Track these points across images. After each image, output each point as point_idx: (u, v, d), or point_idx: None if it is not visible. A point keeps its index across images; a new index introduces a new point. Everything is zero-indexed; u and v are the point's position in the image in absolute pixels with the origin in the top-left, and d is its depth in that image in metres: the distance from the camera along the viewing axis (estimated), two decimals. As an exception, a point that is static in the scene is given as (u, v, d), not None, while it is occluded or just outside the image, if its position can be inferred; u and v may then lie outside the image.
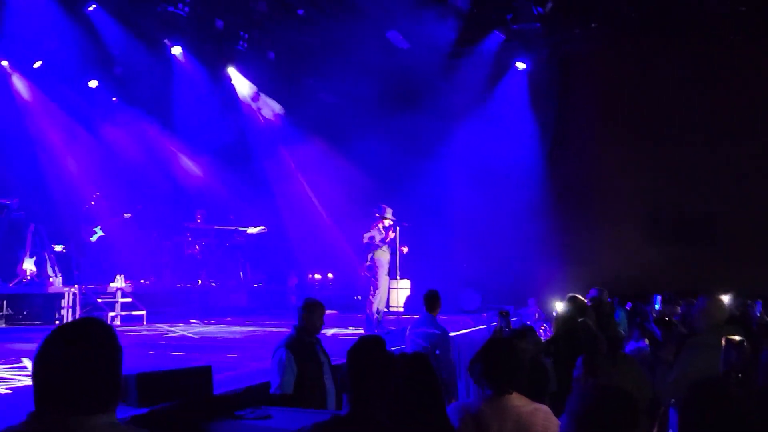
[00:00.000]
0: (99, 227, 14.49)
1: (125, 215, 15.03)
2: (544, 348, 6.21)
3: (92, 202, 14.74)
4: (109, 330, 2.23)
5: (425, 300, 7.43)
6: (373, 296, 10.58)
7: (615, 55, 16.67)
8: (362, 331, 10.56)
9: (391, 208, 10.87)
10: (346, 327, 11.67)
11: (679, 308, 10.77)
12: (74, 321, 2.26)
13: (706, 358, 4.43)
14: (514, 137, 17.21)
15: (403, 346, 7.93)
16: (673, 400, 4.54)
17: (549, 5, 14.89)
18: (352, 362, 3.09)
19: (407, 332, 7.72)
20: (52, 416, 2.08)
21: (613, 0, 15.23)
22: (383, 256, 10.70)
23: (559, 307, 7.42)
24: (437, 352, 7.03)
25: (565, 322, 6.56)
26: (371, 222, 10.90)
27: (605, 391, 2.29)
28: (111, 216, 14.99)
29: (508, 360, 3.64)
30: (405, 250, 10.91)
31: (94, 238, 14.33)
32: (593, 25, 15.98)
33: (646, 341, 8.85)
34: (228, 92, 17.53)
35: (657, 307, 11.94)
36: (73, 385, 2.10)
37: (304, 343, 5.51)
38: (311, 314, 5.55)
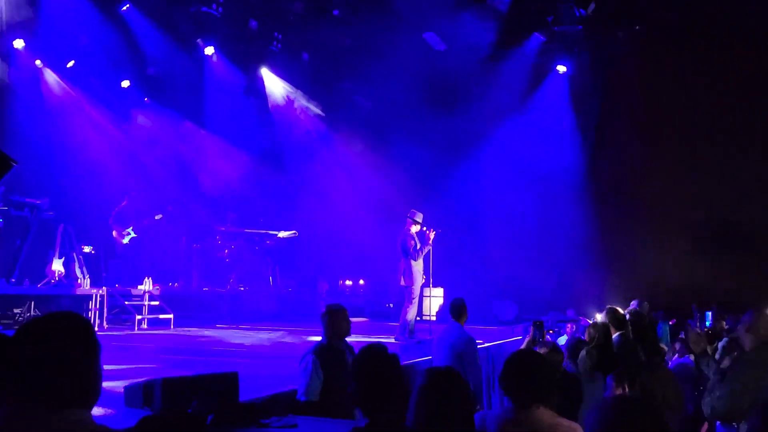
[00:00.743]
0: (131, 228, 14.67)
1: (156, 217, 15.17)
2: (596, 363, 6.11)
3: (124, 203, 14.88)
4: (84, 325, 2.21)
5: (451, 309, 7.43)
6: (410, 306, 10.59)
7: (658, 58, 16.43)
8: (393, 340, 10.55)
9: (422, 213, 10.83)
10: (377, 335, 11.64)
11: (725, 323, 10.59)
12: (47, 315, 2.23)
13: (755, 376, 4.33)
14: (554, 141, 17.06)
15: (430, 357, 7.89)
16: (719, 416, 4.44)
17: (591, 7, 14.74)
18: (358, 372, 3.07)
19: (433, 342, 7.70)
20: (19, 410, 2.07)
21: (656, 2, 15.01)
22: (418, 264, 10.68)
23: (599, 318, 7.33)
24: (464, 362, 6.99)
25: (597, 334, 6.47)
26: (402, 227, 10.87)
27: (626, 404, 2.12)
28: (142, 217, 15.17)
29: (530, 372, 3.57)
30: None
31: (126, 240, 14.49)
32: (636, 27, 15.77)
33: (691, 357, 8.70)
34: (261, 94, 17.66)
35: (708, 323, 11.75)
36: (41, 380, 2.09)
37: (333, 350, 5.55)
38: (334, 320, 5.60)
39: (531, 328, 6.12)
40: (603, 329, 6.53)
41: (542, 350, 5.72)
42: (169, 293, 13.89)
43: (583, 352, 6.10)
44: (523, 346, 5.94)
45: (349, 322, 5.69)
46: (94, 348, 2.20)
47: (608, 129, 17.52)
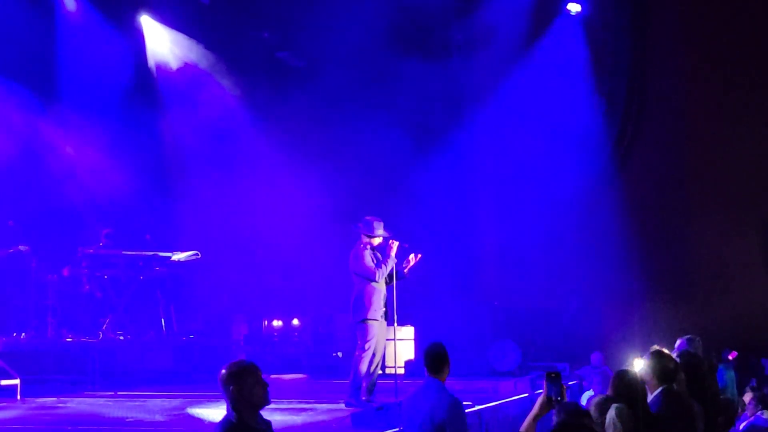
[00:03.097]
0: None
1: (21, 247, 14.91)
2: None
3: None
4: None
5: (427, 359, 7.34)
6: (363, 353, 10.49)
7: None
8: (343, 406, 10.45)
9: (382, 222, 10.76)
10: (319, 401, 11.53)
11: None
12: None
13: None
14: (564, 115, 17.17)
15: (399, 429, 7.83)
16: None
17: None
18: None
19: (403, 407, 7.63)
20: None
21: None
22: (377, 290, 10.61)
23: (639, 365, 7.34)
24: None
25: (625, 389, 6.45)
26: (352, 243, 10.80)
27: None
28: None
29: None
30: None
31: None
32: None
33: (766, 415, 8.76)
34: (142, 55, 17.55)
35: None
36: None
37: (247, 430, 5.44)
38: (241, 385, 5.46)
39: (544, 383, 6.02)
40: (631, 380, 6.51)
41: (561, 416, 5.61)
42: (12, 348, 13.69)
43: (611, 413, 6.05)
44: (535, 410, 5.85)
45: (266, 385, 5.56)
46: None
47: (644, 94, 17.70)
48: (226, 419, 5.51)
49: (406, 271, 10.70)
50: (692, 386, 7.39)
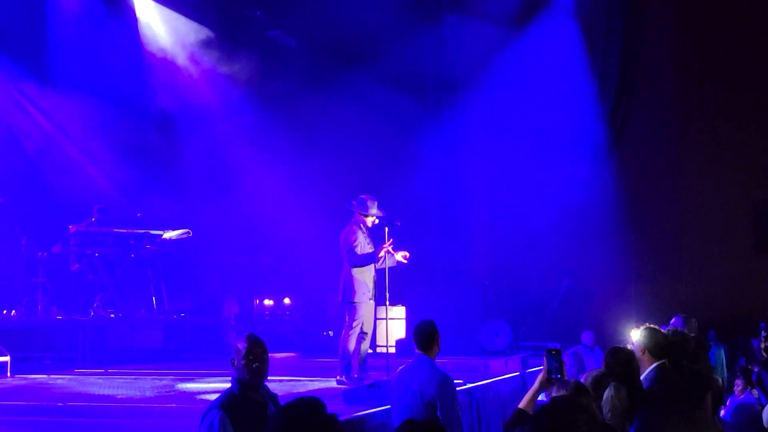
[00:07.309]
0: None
1: None
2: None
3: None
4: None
5: (417, 336, 7.38)
6: (350, 330, 10.54)
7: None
8: (335, 383, 10.51)
9: (377, 201, 10.77)
10: (310, 377, 11.56)
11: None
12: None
13: None
14: (557, 98, 17.17)
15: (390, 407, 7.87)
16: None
17: None
18: None
19: (392, 383, 7.67)
20: None
21: None
22: (365, 272, 10.64)
23: (635, 336, 7.38)
24: (438, 411, 6.97)
25: (617, 364, 6.48)
26: (345, 222, 10.82)
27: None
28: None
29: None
30: (402, 257, 10.79)
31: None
32: None
33: (754, 393, 8.82)
34: (132, 30, 17.50)
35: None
36: None
37: (248, 402, 5.52)
38: (248, 358, 5.55)
39: (544, 359, 6.05)
40: (626, 357, 6.54)
41: (560, 392, 5.63)
42: (3, 325, 13.70)
43: (608, 391, 6.06)
44: (535, 386, 5.89)
45: (266, 360, 5.63)
46: None
47: (636, 79, 17.70)
48: (228, 390, 5.60)
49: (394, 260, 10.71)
50: (680, 364, 7.44)
